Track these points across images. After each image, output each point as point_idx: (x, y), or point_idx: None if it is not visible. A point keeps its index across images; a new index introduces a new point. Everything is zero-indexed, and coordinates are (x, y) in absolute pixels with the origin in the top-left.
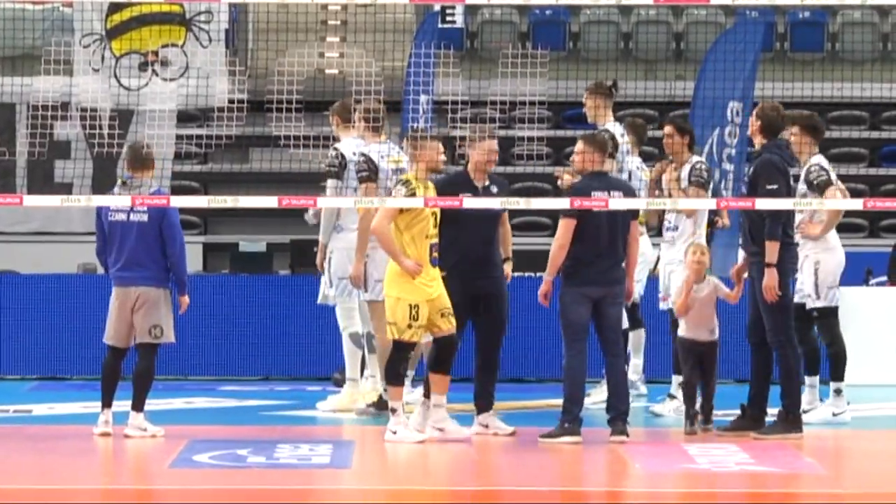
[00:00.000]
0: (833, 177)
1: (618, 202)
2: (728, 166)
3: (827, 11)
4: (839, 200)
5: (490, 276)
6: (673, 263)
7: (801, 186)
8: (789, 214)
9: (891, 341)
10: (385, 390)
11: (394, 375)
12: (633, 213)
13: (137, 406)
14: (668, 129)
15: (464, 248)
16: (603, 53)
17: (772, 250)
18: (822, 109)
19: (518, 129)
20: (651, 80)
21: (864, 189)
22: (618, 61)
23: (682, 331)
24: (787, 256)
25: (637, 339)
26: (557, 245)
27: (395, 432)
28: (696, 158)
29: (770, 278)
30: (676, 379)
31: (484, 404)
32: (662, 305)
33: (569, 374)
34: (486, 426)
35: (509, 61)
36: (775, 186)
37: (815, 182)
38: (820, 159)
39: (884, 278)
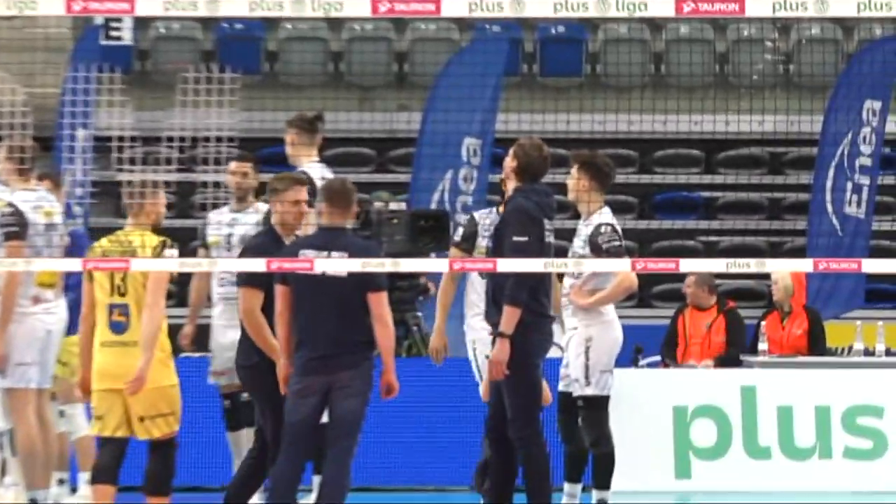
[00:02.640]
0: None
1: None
2: (463, 218)
3: (586, 26)
4: (601, 261)
5: None
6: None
7: (579, 246)
8: (543, 279)
9: (665, 438)
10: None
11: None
12: (373, 284)
13: None
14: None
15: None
16: (308, 78)
17: (509, 317)
18: (581, 147)
19: (201, 171)
20: (367, 110)
21: (633, 247)
22: (326, 87)
23: None
24: (536, 331)
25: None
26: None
27: None
28: (606, 212)
29: (501, 351)
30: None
31: None
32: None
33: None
34: None
35: (190, 87)
36: (525, 239)
37: (604, 248)
38: (610, 217)
39: (656, 358)
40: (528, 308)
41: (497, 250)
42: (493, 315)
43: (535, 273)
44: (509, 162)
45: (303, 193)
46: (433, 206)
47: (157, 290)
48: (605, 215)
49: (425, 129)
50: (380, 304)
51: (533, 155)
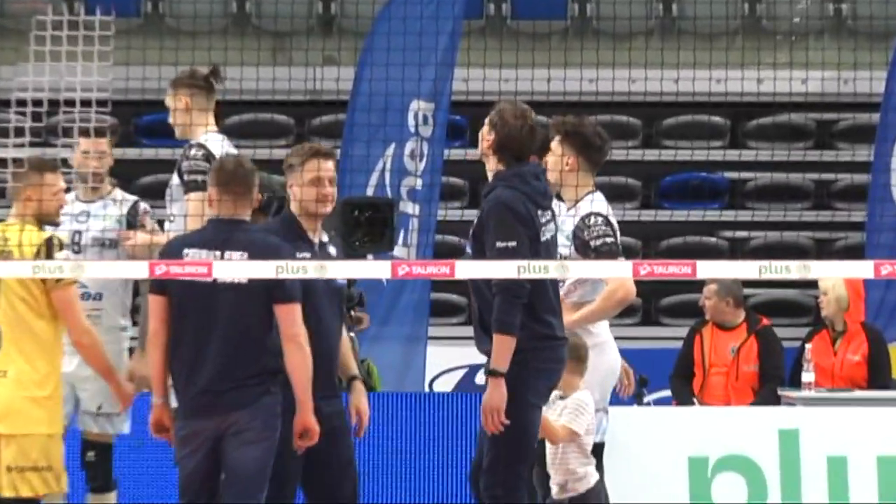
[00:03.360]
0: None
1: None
2: (413, 207)
3: None
4: (590, 264)
5: (334, 396)
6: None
7: (562, 244)
8: (542, 291)
9: (679, 496)
10: None
11: None
12: (282, 294)
13: None
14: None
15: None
16: (203, 22)
17: (501, 349)
18: (564, 112)
19: (62, 145)
20: (283, 64)
21: (634, 244)
22: (228, 34)
23: None
24: (539, 359)
25: None
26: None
27: None
28: (597, 199)
29: (494, 394)
30: None
31: None
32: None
33: None
34: None
35: (47, 35)
36: (511, 244)
37: (592, 245)
38: (602, 204)
39: (666, 392)
40: (530, 331)
41: (478, 255)
42: (484, 342)
43: (521, 284)
44: (485, 134)
45: (328, 167)
46: (370, 190)
47: (73, 315)
48: (597, 203)
49: (359, 89)
50: (291, 321)
51: (515, 125)
